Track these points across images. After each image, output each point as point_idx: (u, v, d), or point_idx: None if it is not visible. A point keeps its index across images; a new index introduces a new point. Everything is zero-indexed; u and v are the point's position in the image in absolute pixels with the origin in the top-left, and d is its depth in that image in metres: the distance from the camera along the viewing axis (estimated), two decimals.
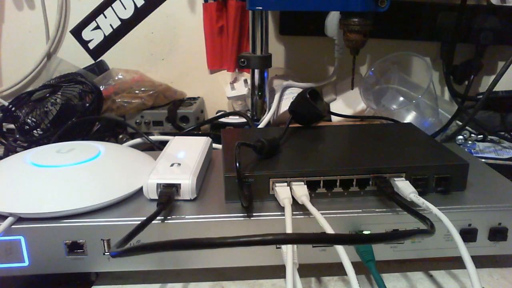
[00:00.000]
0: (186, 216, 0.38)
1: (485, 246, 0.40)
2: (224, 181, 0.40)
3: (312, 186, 0.40)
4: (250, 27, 0.71)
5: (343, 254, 0.33)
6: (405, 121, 0.67)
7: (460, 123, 0.71)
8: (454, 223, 0.36)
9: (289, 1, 0.62)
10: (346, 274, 0.32)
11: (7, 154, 0.66)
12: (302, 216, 0.38)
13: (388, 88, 0.75)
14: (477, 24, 0.78)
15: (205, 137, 0.52)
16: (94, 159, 0.44)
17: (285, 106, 0.75)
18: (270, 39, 0.84)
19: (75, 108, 0.69)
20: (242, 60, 0.72)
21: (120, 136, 0.74)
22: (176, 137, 0.53)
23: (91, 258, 0.38)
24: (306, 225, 0.38)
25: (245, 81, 0.86)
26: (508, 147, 0.70)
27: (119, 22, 0.87)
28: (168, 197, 0.39)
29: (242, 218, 0.38)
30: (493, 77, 0.71)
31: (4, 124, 0.71)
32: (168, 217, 0.38)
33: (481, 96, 0.73)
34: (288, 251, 0.33)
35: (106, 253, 0.38)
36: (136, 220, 0.36)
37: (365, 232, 0.38)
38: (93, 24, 0.88)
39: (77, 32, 0.88)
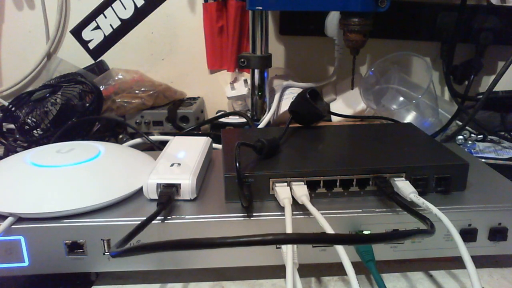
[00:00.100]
0: (186, 216, 0.38)
1: (485, 246, 0.40)
2: (224, 181, 0.40)
3: (312, 186, 0.40)
4: (250, 27, 0.71)
5: (343, 254, 0.33)
6: (405, 121, 0.67)
7: (460, 123, 0.71)
8: (454, 223, 0.36)
9: (289, 1, 0.62)
10: (346, 274, 0.32)
11: (7, 154, 0.66)
12: (302, 216, 0.38)
13: (388, 88, 0.75)
14: (477, 24, 0.78)
15: (205, 137, 0.52)
16: (94, 159, 0.44)
17: (285, 106, 0.75)
18: (270, 39, 0.84)
19: (75, 108, 0.69)
20: (242, 60, 0.72)
21: (120, 136, 0.74)
22: (176, 137, 0.53)
23: (91, 258, 0.38)
24: (306, 225, 0.38)
25: (245, 81, 0.86)
26: (508, 147, 0.70)
27: (119, 22, 0.87)
28: (168, 197, 0.39)
29: (242, 218, 0.38)
30: (493, 77, 0.71)
31: (4, 124, 0.71)
32: (168, 217, 0.38)
33: (481, 96, 0.73)
34: (288, 251, 0.33)
35: (106, 253, 0.38)
36: (136, 220, 0.36)
37: (365, 232, 0.38)
38: (93, 24, 0.88)
39: (77, 32, 0.88)
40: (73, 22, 0.88)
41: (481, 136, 0.73)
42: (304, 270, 0.40)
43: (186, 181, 0.40)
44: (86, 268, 0.38)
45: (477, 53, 0.79)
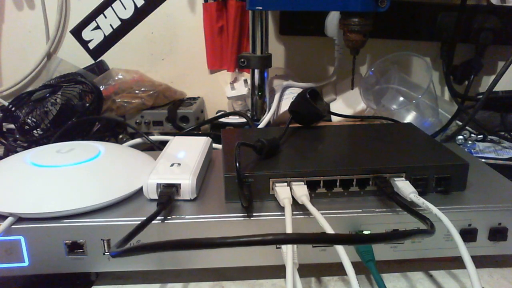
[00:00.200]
0: (186, 216, 0.38)
1: (485, 246, 0.40)
2: (224, 181, 0.40)
3: (312, 186, 0.40)
4: (250, 27, 0.71)
5: (343, 254, 0.33)
6: (405, 121, 0.67)
7: (460, 123, 0.71)
8: (454, 223, 0.36)
9: (289, 1, 0.62)
10: (346, 274, 0.32)
11: (7, 154, 0.66)
12: (302, 216, 0.38)
13: (388, 88, 0.75)
14: (477, 24, 0.78)
15: (205, 137, 0.52)
16: (94, 159, 0.44)
17: (285, 106, 0.75)
18: (270, 39, 0.84)
19: (75, 108, 0.69)
20: (242, 60, 0.72)
21: (120, 136, 0.74)
22: (176, 137, 0.53)
23: (91, 258, 0.38)
24: (306, 225, 0.38)
25: (245, 81, 0.86)
26: (508, 147, 0.70)
27: (119, 22, 0.87)
28: (168, 197, 0.39)
29: (242, 218, 0.38)
30: (493, 77, 0.71)
31: (4, 124, 0.71)
32: (168, 217, 0.38)
33: (481, 96, 0.73)
34: (288, 251, 0.33)
35: (106, 253, 0.38)
36: (136, 220, 0.36)
37: (365, 232, 0.38)
38: (93, 24, 0.88)
39: (77, 32, 0.88)
40: (73, 22, 0.88)
41: (481, 136, 0.73)
42: (304, 270, 0.40)
43: (186, 181, 0.40)
44: (86, 268, 0.38)
45: (477, 53, 0.79)
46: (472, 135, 0.72)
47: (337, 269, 0.41)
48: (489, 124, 0.76)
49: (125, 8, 0.86)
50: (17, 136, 0.69)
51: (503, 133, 0.74)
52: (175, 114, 0.78)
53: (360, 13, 0.62)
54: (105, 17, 0.87)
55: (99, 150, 0.45)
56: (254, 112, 0.76)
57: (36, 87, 0.75)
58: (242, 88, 0.85)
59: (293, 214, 0.37)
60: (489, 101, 0.75)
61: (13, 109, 0.70)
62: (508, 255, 0.41)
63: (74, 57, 0.88)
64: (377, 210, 0.39)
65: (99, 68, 0.87)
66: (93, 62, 0.89)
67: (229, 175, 0.39)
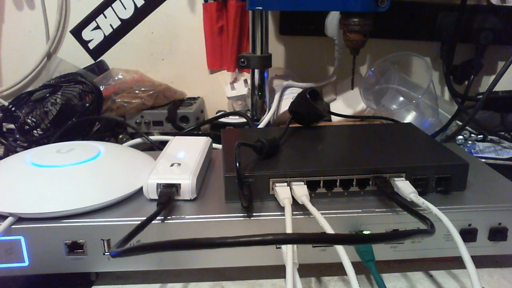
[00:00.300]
0: (186, 216, 0.38)
1: (485, 246, 0.40)
2: (224, 181, 0.40)
3: (312, 186, 0.40)
4: (250, 27, 0.71)
5: (343, 254, 0.33)
6: (405, 121, 0.67)
7: (460, 123, 0.71)
8: (454, 223, 0.36)
9: (289, 1, 0.62)
10: (346, 274, 0.32)
11: (7, 154, 0.66)
12: (302, 216, 0.38)
13: (388, 88, 0.75)
14: (477, 24, 0.78)
15: (205, 137, 0.52)
16: (94, 159, 0.44)
17: (285, 106, 0.75)
18: (270, 39, 0.84)
19: (75, 108, 0.69)
20: (242, 60, 0.72)
21: (120, 136, 0.74)
22: (176, 137, 0.53)
23: (91, 258, 0.38)
24: (306, 225, 0.38)
25: (245, 81, 0.86)
26: (508, 147, 0.70)
27: (119, 22, 0.87)
28: (168, 197, 0.39)
29: (242, 218, 0.38)
30: (493, 77, 0.71)
31: (4, 124, 0.71)
32: (168, 217, 0.38)
33: (481, 96, 0.73)
34: (288, 251, 0.33)
35: (106, 253, 0.38)
36: (136, 220, 0.36)
37: (365, 232, 0.38)
38: (93, 24, 0.88)
39: (77, 32, 0.88)
40: (73, 22, 0.88)
41: (481, 136, 0.73)
42: (304, 270, 0.40)
43: (186, 181, 0.40)
44: (86, 268, 0.38)
45: (477, 53, 0.79)
46: (472, 135, 0.72)
47: (337, 269, 0.41)
48: (489, 124, 0.76)
49: (125, 8, 0.86)
50: (17, 136, 0.69)
51: (503, 133, 0.74)
52: (175, 114, 0.78)
53: (360, 13, 0.62)
54: (105, 17, 0.87)
55: (99, 150, 0.45)
56: (254, 112, 0.76)
57: (36, 87, 0.75)
58: (242, 88, 0.85)
59: (293, 214, 0.37)
60: (489, 101, 0.75)
61: (13, 109, 0.70)
62: (508, 255, 0.41)
63: (74, 57, 0.88)
64: (377, 210, 0.39)
65: (99, 68, 0.87)
66: (93, 62, 0.89)
67: (229, 175, 0.39)
